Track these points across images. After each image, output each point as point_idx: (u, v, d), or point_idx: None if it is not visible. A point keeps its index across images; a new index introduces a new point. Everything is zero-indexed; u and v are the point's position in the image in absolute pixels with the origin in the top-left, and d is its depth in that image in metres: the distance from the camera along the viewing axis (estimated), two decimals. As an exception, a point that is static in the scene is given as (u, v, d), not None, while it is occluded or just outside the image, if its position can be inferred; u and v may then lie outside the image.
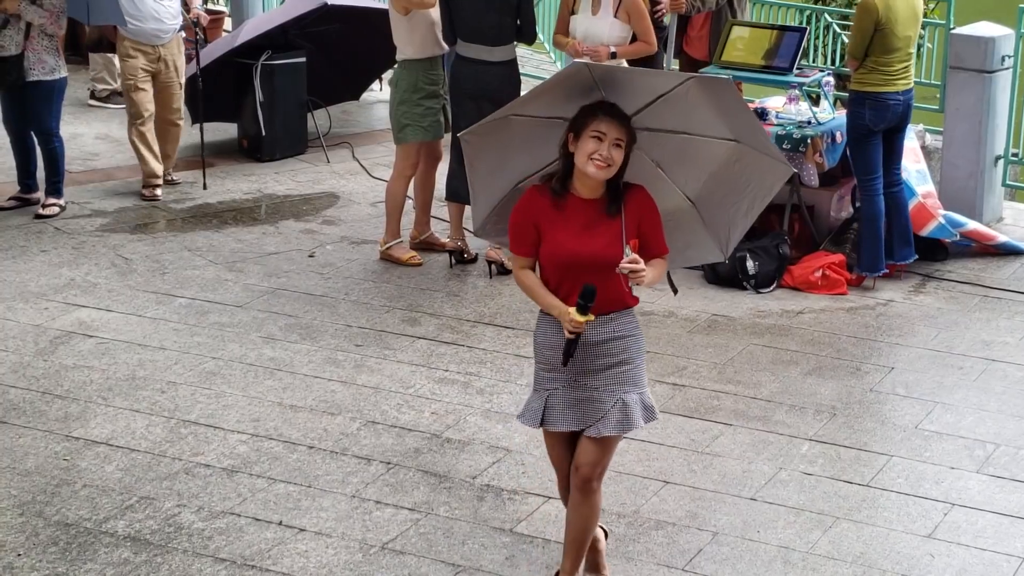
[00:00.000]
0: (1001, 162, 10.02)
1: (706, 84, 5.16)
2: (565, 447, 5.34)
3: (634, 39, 8.78)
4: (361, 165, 11.17)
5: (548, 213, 5.14)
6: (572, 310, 5.00)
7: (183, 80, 10.47)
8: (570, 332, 5.03)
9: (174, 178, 10.63)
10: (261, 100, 11.09)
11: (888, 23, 8.54)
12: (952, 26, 10.15)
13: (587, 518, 5.34)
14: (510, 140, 5.36)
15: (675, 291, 5.95)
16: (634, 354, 5.22)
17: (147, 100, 10.28)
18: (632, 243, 5.01)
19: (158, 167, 10.40)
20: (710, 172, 5.31)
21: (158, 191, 10.36)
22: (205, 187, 10.48)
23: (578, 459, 5.26)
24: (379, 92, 12.72)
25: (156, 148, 10.39)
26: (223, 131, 11.61)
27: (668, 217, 5.28)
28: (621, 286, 5.13)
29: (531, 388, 5.40)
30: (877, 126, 8.60)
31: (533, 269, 5.25)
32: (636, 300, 5.25)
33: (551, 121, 5.22)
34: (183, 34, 10.45)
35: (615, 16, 8.73)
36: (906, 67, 8.63)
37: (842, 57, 10.91)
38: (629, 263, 4.97)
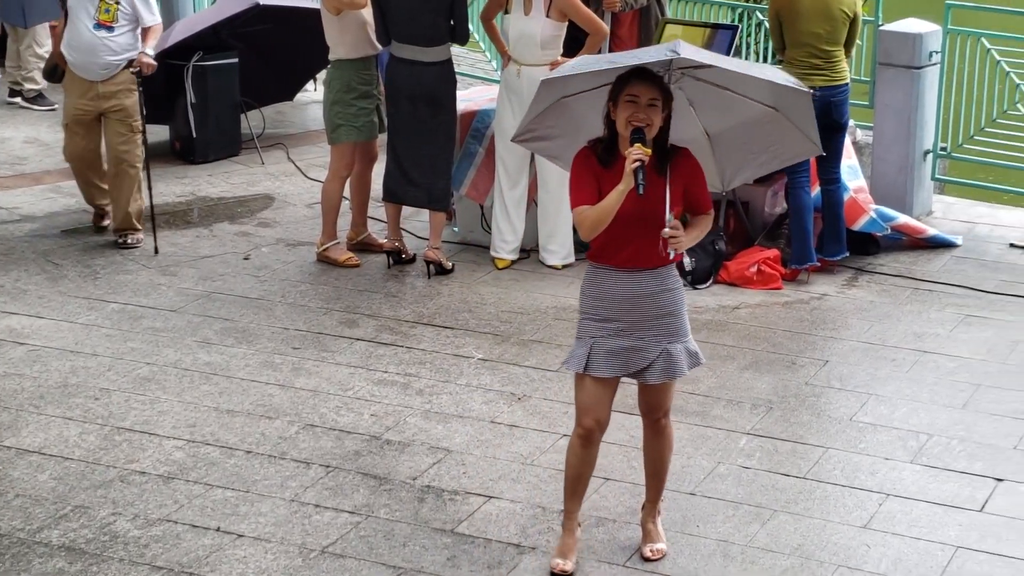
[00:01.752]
0: (930, 156, 10.12)
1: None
2: (601, 392, 5.59)
3: (577, 41, 8.81)
4: (296, 166, 11.12)
5: (601, 177, 5.44)
6: (631, 148, 5.29)
7: (136, 123, 9.19)
8: (636, 160, 5.25)
9: (128, 240, 9.32)
10: (193, 102, 11.03)
11: (788, 17, 8.62)
12: (880, 23, 10.24)
13: (661, 450, 5.81)
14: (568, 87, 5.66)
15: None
16: (680, 306, 5.59)
17: (81, 142, 9.23)
18: (675, 211, 5.36)
19: (97, 196, 9.50)
20: (739, 122, 5.70)
21: (105, 222, 9.57)
22: (156, 251, 9.26)
23: (642, 406, 5.75)
24: (313, 92, 12.68)
25: (98, 181, 9.44)
26: (155, 133, 11.47)
27: (681, 142, 5.59)
28: (666, 243, 5.42)
29: (574, 339, 5.67)
30: None
31: None
32: (680, 255, 5.64)
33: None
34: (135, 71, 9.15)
35: (547, 16, 8.75)
36: (820, 64, 8.67)
37: (774, 54, 10.98)
38: (671, 229, 5.31)
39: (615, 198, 5.33)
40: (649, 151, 5.31)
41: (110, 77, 9.13)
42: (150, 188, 9.34)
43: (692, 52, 5.38)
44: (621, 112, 5.37)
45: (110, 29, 9.05)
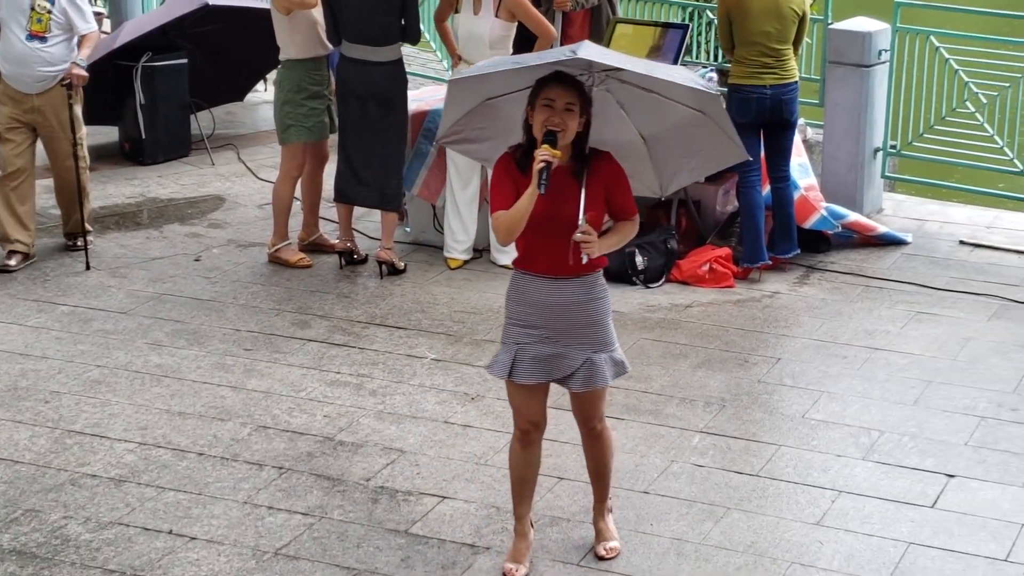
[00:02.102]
0: (880, 154, 10.18)
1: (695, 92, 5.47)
2: (530, 397, 5.57)
3: (528, 41, 8.82)
4: (247, 167, 11.07)
5: (520, 178, 5.36)
6: (543, 147, 5.23)
7: (79, 135, 8.94)
8: (542, 160, 5.19)
9: (78, 243, 9.12)
10: (142, 102, 10.96)
11: (738, 16, 8.67)
12: (830, 21, 10.29)
13: (599, 454, 5.76)
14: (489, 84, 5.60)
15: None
16: (604, 315, 5.51)
17: (14, 154, 8.92)
18: (588, 215, 5.26)
19: (13, 231, 8.96)
20: (671, 125, 5.59)
21: (10, 260, 8.90)
22: (88, 267, 8.98)
23: (575, 412, 5.70)
24: (263, 92, 12.63)
25: (21, 210, 8.97)
26: (104, 135, 11.45)
27: (619, 147, 5.54)
28: (578, 249, 5.31)
29: (499, 344, 5.65)
30: (743, 119, 8.68)
31: None
32: (605, 261, 5.49)
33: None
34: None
35: (496, 16, 8.75)
36: (771, 63, 8.72)
37: (721, 54, 11.03)
38: (581, 233, 5.22)
39: (525, 202, 5.25)
40: (558, 153, 5.22)
41: (46, 90, 8.87)
42: (81, 205, 9.12)
43: (596, 54, 5.29)
44: (538, 116, 5.29)
45: (43, 40, 8.79)
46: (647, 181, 5.75)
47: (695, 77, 5.51)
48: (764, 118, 8.75)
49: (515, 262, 5.59)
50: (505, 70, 5.49)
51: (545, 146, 5.22)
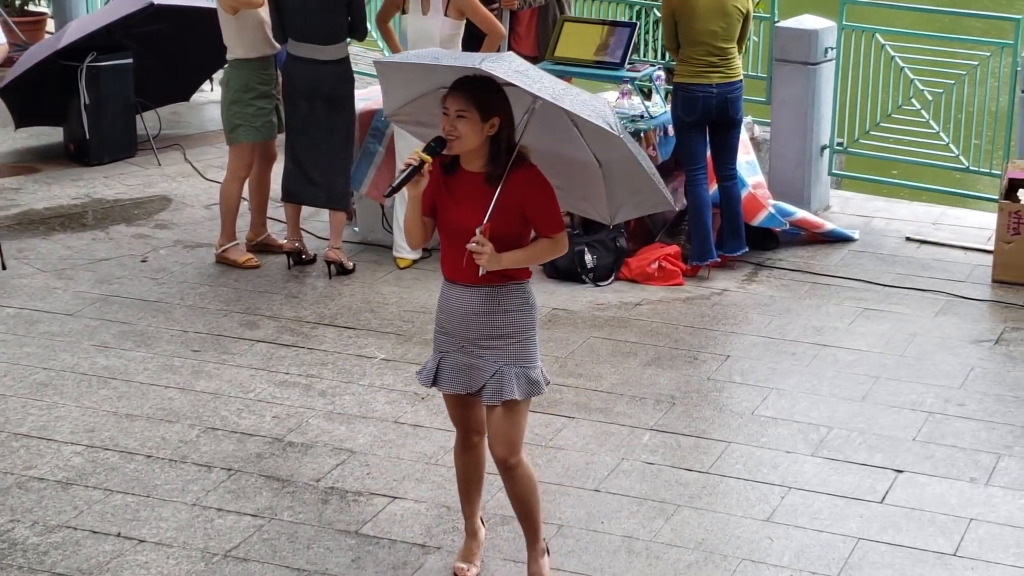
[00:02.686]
0: (827, 152, 10.24)
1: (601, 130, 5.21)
2: (459, 408, 5.51)
3: (476, 39, 8.81)
4: (193, 167, 11.01)
5: (444, 186, 5.31)
6: (417, 150, 5.17)
7: None
8: (408, 162, 5.14)
9: None
10: (87, 103, 10.87)
11: (684, 15, 8.69)
12: (776, 19, 10.34)
13: (518, 493, 5.52)
14: (432, 72, 5.43)
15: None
16: (517, 329, 5.35)
17: None
18: (490, 226, 5.14)
19: None
20: (617, 155, 5.36)
21: None
22: (4, 267, 8.86)
23: (488, 437, 5.48)
24: (210, 92, 12.55)
25: None
26: (48, 135, 11.36)
27: (576, 166, 5.44)
28: (471, 258, 5.22)
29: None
30: (689, 117, 8.73)
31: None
32: (527, 274, 5.37)
33: None
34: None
35: (445, 15, 8.73)
36: (717, 62, 8.74)
37: (665, 53, 11.06)
38: (474, 242, 5.13)
39: (409, 206, 5.25)
40: (428, 158, 5.13)
41: None
42: None
43: (502, 69, 5.04)
44: (440, 123, 5.22)
45: None
46: (599, 207, 5.58)
47: (608, 113, 5.19)
48: (710, 117, 8.78)
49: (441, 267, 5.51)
50: (453, 65, 5.39)
51: (416, 150, 5.18)
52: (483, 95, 5.17)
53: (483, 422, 5.51)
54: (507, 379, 5.31)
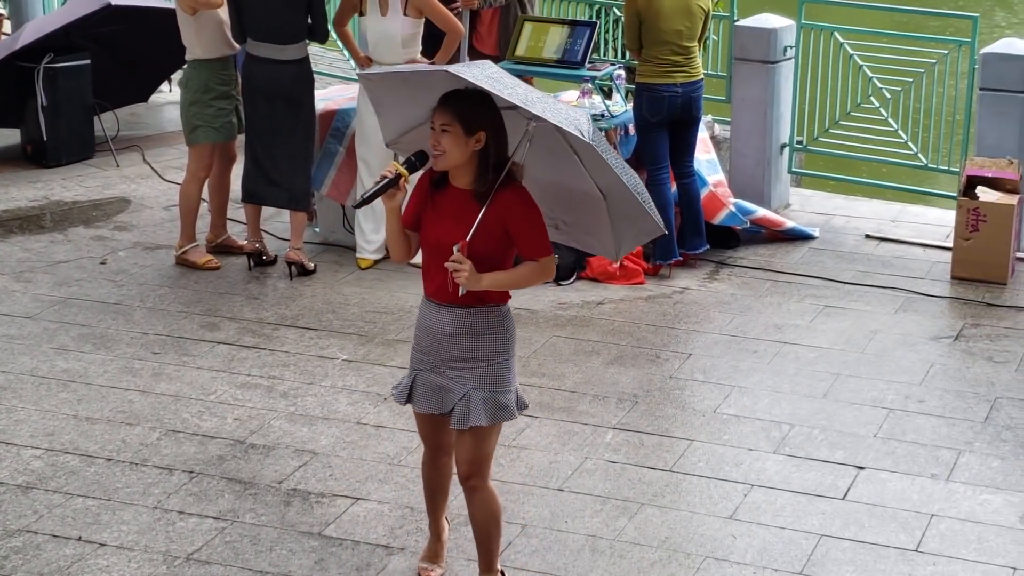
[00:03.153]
0: (787, 150, 10.28)
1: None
2: (429, 428, 5.44)
3: (435, 38, 8.80)
4: (152, 168, 10.95)
5: (431, 201, 5.20)
6: (395, 163, 5.09)
7: None
8: (384, 174, 5.07)
9: None
10: (44, 104, 10.81)
11: (649, 16, 8.70)
12: (736, 18, 10.37)
13: (475, 519, 5.44)
14: (426, 86, 5.22)
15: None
16: (489, 353, 5.22)
17: None
18: (462, 243, 5.02)
19: None
20: (618, 183, 5.13)
21: None
22: None
23: (455, 456, 5.41)
24: (168, 93, 12.49)
25: None
26: (6, 137, 11.29)
27: (581, 197, 5.27)
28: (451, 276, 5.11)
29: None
30: (654, 117, 8.75)
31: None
32: (504, 298, 5.24)
33: None
34: None
35: (404, 14, 8.72)
36: (681, 61, 8.77)
37: (625, 53, 11.08)
38: (452, 261, 5.02)
39: (387, 218, 5.18)
40: (405, 172, 5.05)
41: None
42: None
43: (473, 74, 4.88)
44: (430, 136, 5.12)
45: None
46: (605, 242, 5.38)
47: (583, 123, 5.00)
48: (674, 116, 8.80)
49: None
50: (418, 70, 5.33)
51: (394, 163, 5.10)
52: (467, 109, 5.03)
53: (449, 440, 5.44)
54: (474, 404, 5.20)
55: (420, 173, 5.24)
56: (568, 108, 5.09)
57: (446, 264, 5.04)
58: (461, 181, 5.13)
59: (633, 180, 5.15)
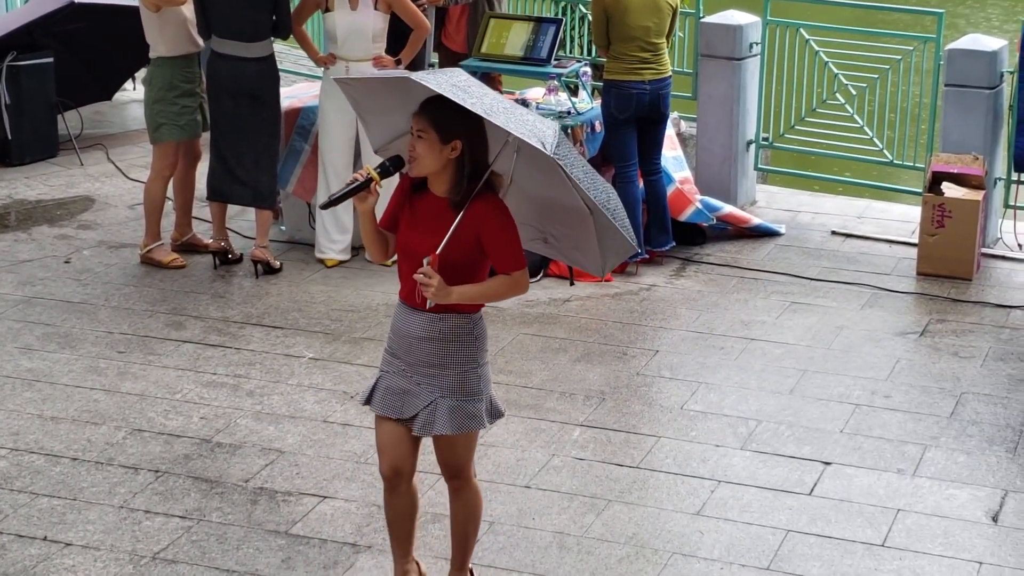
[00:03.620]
0: (753, 147, 10.30)
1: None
2: (388, 433, 5.21)
3: (401, 35, 8.78)
4: (117, 167, 10.90)
5: (409, 205, 5.13)
6: (368, 168, 5.02)
7: None
8: (356, 176, 4.99)
9: None
10: (7, 102, 10.74)
11: (617, 13, 8.71)
12: (702, 15, 10.38)
13: (459, 515, 5.38)
14: (409, 94, 5.06)
15: (571, 282, 5.63)
16: (458, 360, 5.12)
17: None
18: (432, 256, 4.92)
19: None
20: (587, 198, 5.01)
21: None
22: None
23: (436, 456, 5.30)
24: (132, 91, 12.43)
25: None
26: (-31, 136, 11.21)
27: (570, 212, 5.12)
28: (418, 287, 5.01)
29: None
30: (623, 114, 8.76)
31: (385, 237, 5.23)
32: (477, 307, 5.13)
33: None
34: None
35: (375, 8, 8.70)
36: (649, 58, 8.78)
37: (591, 50, 11.08)
38: (420, 274, 4.91)
39: (360, 220, 5.10)
40: (377, 176, 4.96)
41: None
42: None
43: (437, 82, 4.78)
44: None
45: None
46: (592, 257, 5.23)
47: (547, 135, 4.88)
48: (642, 113, 8.81)
49: None
50: (382, 77, 5.24)
51: (367, 166, 5.04)
52: (444, 116, 4.91)
53: (410, 460, 5.25)
54: (439, 412, 5.10)
55: (397, 177, 5.16)
56: (536, 120, 4.96)
57: (414, 276, 4.93)
58: (438, 188, 5.04)
59: (604, 196, 5.01)
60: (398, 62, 8.81)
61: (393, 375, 5.18)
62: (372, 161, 8.64)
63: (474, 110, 4.76)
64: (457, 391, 5.13)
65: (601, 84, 9.01)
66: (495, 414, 5.28)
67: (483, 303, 5.16)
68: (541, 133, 4.85)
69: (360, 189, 5.00)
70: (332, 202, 5.08)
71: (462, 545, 5.44)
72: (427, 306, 5.03)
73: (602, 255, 5.23)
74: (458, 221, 4.96)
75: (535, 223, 5.22)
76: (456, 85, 4.83)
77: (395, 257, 5.25)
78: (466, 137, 4.96)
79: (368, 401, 5.25)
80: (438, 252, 4.93)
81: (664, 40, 8.87)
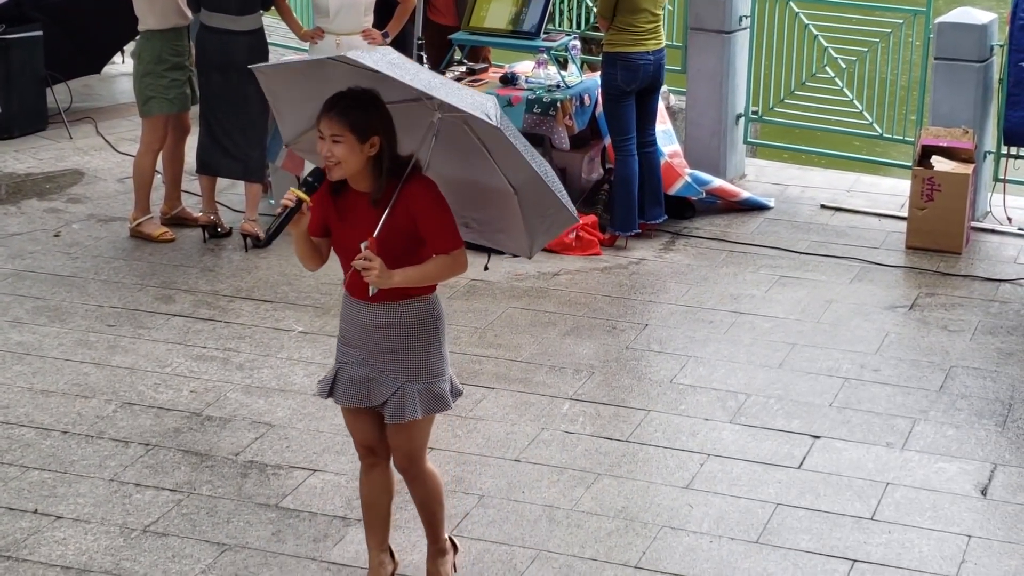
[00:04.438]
0: (742, 120, 10.29)
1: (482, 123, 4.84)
2: (357, 421, 5.21)
3: (387, 5, 8.76)
4: (106, 140, 10.87)
5: (333, 207, 5.04)
6: (293, 189, 4.91)
7: None
8: (284, 203, 4.89)
9: None
10: (-4, 76, 10.71)
11: None
12: (692, -12, 10.36)
13: (421, 497, 5.33)
14: (326, 77, 4.99)
15: (485, 267, 5.57)
16: (420, 343, 5.07)
17: None
18: (370, 240, 4.86)
19: None
20: (531, 174, 4.98)
21: None
22: None
23: (390, 444, 5.22)
24: (121, 65, 12.39)
25: None
26: (-43, 109, 11.17)
27: (491, 194, 5.11)
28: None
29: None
30: (629, 86, 8.75)
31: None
32: (429, 290, 5.08)
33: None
34: None
35: (367, -20, 8.70)
36: (654, 27, 8.79)
37: (587, 21, 11.06)
38: (360, 259, 4.85)
39: (295, 243, 5.06)
40: (306, 197, 4.86)
41: None
42: None
43: (374, 60, 4.73)
44: (318, 146, 4.92)
45: None
46: (518, 239, 5.23)
47: (489, 107, 4.85)
48: (646, 83, 8.80)
49: None
50: (320, 58, 5.02)
51: (293, 188, 4.91)
52: (358, 116, 4.85)
53: (381, 439, 5.22)
54: (408, 398, 5.06)
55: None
56: (474, 93, 4.94)
57: (353, 263, 4.88)
58: (361, 185, 4.96)
59: (544, 168, 4.99)
60: (385, 35, 8.79)
61: (353, 365, 5.12)
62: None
63: (414, 86, 4.71)
64: (422, 373, 5.09)
65: (597, 58, 8.96)
66: (456, 393, 5.26)
67: (428, 284, 5.05)
68: (483, 106, 4.84)
69: (294, 214, 4.90)
70: (271, 236, 5.00)
71: (431, 522, 5.41)
72: (370, 293, 4.96)
73: (529, 236, 5.19)
74: (391, 207, 4.88)
75: (456, 207, 5.08)
76: (392, 63, 4.77)
77: None
78: (383, 132, 4.89)
79: (330, 394, 5.18)
80: (375, 235, 4.86)
81: (661, 10, 8.88)
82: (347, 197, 5.02)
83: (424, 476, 5.30)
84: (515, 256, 8.70)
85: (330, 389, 5.18)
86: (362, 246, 4.87)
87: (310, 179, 4.94)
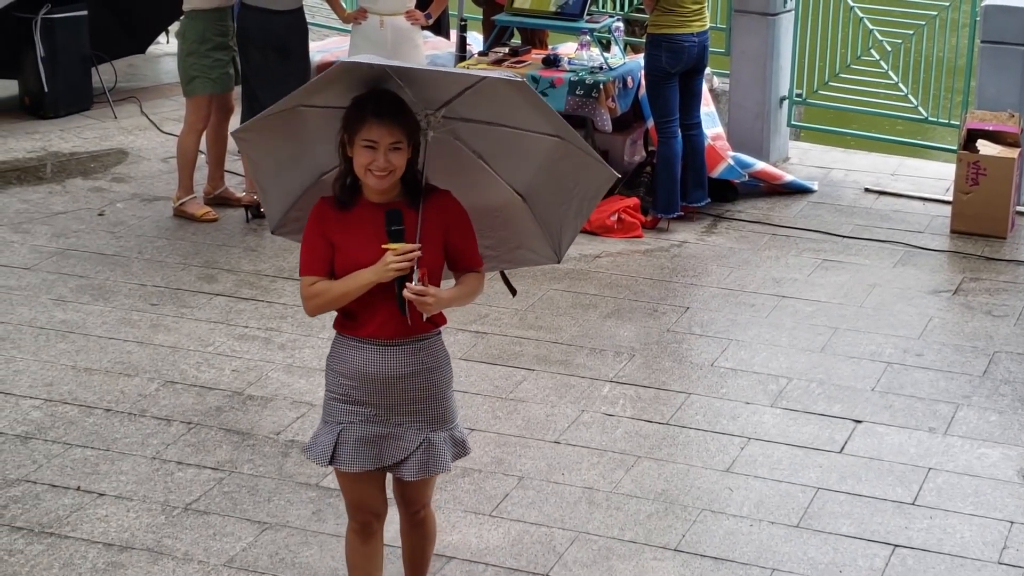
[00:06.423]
0: (786, 103, 10.24)
1: (505, 84, 4.47)
2: (362, 485, 4.69)
3: None
4: (150, 120, 10.92)
5: (339, 224, 4.53)
6: (389, 246, 4.42)
7: None
8: (398, 270, 4.41)
9: None
10: (42, 55, 10.75)
11: None
12: (736, -30, 10.31)
13: (418, 544, 4.96)
14: (303, 131, 4.63)
15: (513, 292, 5.27)
16: (444, 387, 4.67)
17: None
18: (421, 271, 4.43)
19: None
20: (538, 165, 4.68)
21: None
22: None
23: (398, 497, 4.84)
24: (166, 45, 12.44)
25: None
26: (3, 88, 11.23)
27: (497, 213, 4.78)
28: (414, 307, 4.52)
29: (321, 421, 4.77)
30: (674, 68, 8.72)
31: None
32: (444, 320, 4.68)
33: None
34: None
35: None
36: (700, 8, 8.76)
37: (631, 2, 11.02)
38: (415, 292, 4.41)
39: (359, 284, 4.46)
40: (416, 252, 4.39)
41: None
42: None
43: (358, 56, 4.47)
44: (357, 157, 4.43)
45: None
46: (539, 248, 4.88)
47: (500, 72, 4.75)
48: (690, 65, 8.77)
49: (336, 324, 4.67)
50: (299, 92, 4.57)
51: (392, 247, 4.40)
52: (408, 119, 4.46)
53: (385, 501, 4.77)
54: (437, 449, 4.62)
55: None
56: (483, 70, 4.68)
57: (405, 294, 4.41)
58: (384, 195, 4.51)
59: (564, 124, 4.58)
60: (428, 16, 8.79)
61: (360, 424, 4.60)
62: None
63: (457, 78, 4.45)
64: (444, 420, 4.68)
65: (640, 39, 8.93)
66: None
67: (465, 304, 4.71)
68: (500, 73, 4.62)
69: (414, 273, 4.45)
70: (403, 307, 4.48)
71: (419, 569, 5.00)
72: (424, 319, 4.50)
73: (552, 238, 4.84)
74: (424, 226, 4.48)
75: None
76: (394, 62, 4.48)
77: None
78: (418, 131, 4.53)
79: (332, 460, 4.62)
80: (419, 260, 4.43)
81: None
82: (359, 212, 4.54)
83: (430, 517, 4.93)
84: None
85: (332, 454, 4.62)
86: (414, 278, 4.41)
87: (394, 228, 4.44)
